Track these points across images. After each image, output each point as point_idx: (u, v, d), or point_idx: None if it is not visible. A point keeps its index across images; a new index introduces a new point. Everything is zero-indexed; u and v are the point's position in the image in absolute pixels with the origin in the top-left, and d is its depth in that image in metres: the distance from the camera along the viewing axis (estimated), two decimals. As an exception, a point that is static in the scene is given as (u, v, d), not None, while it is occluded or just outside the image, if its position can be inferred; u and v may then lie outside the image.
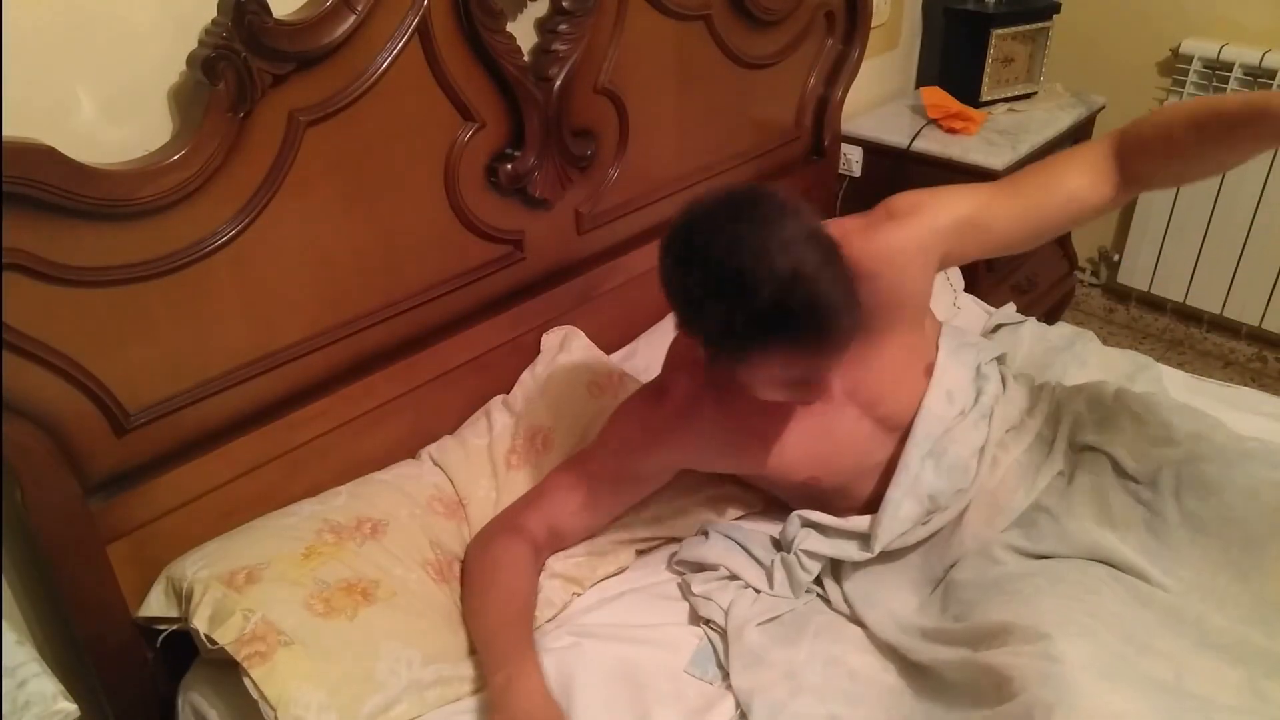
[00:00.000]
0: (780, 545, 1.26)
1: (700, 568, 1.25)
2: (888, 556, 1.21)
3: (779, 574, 1.22)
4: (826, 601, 1.23)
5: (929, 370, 1.25)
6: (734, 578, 1.22)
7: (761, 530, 1.29)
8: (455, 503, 1.33)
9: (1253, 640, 1.02)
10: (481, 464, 1.37)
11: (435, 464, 1.37)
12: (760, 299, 0.94)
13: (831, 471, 1.24)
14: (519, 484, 1.35)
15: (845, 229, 1.09)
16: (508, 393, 1.49)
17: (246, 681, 1.02)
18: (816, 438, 1.20)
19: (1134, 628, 1.01)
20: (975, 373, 1.29)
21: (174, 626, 1.11)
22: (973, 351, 1.31)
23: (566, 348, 1.51)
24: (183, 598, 1.10)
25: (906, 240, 1.13)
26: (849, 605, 1.20)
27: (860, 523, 1.22)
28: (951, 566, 1.19)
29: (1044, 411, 1.29)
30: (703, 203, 1.02)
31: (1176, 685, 0.96)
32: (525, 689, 1.04)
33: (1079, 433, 1.24)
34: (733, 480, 1.36)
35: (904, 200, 1.16)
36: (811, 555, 1.22)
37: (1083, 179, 1.12)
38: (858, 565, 1.22)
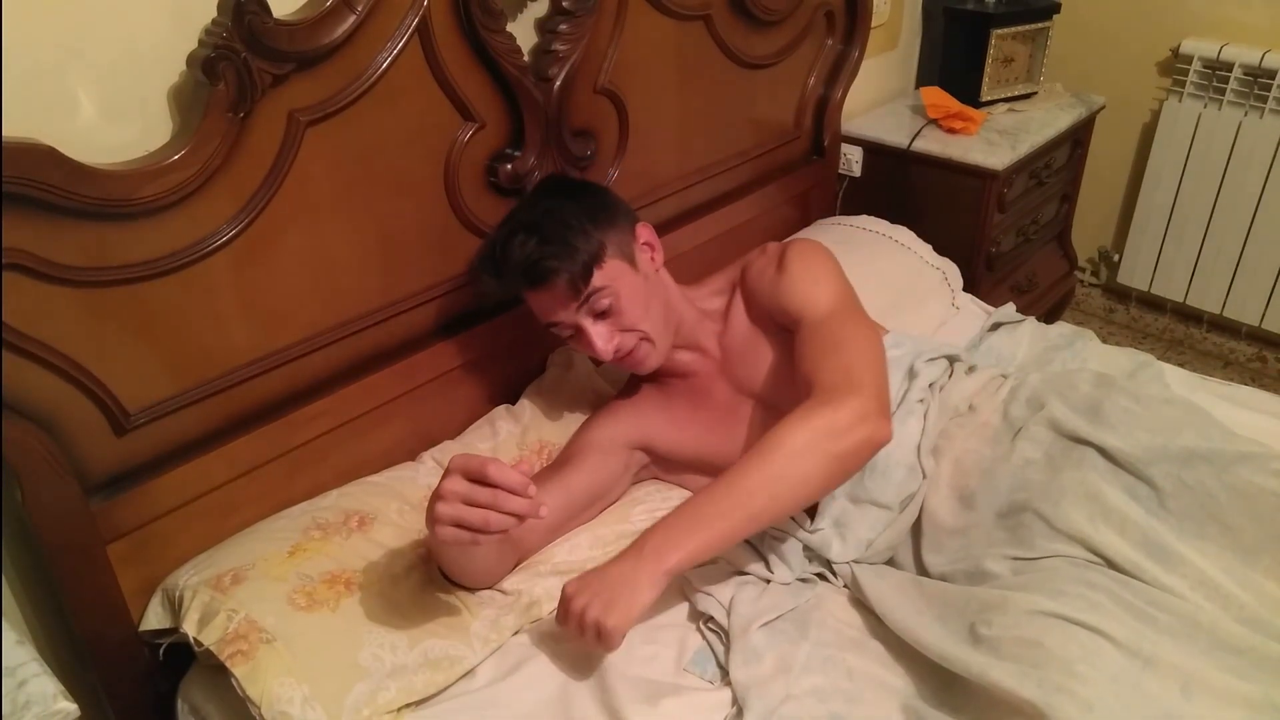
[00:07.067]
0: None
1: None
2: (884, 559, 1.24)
3: (772, 557, 1.23)
4: (831, 575, 1.24)
5: None
6: (736, 572, 1.23)
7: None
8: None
9: (1264, 647, 1.00)
10: (484, 465, 1.37)
11: (436, 464, 1.37)
12: (494, 248, 1.26)
13: None
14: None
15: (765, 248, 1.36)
16: (509, 396, 1.49)
17: (233, 680, 1.02)
18: (729, 426, 1.34)
19: (1140, 641, 0.99)
20: (906, 373, 1.32)
21: (172, 639, 1.12)
22: (908, 355, 1.34)
23: (573, 367, 1.52)
24: (176, 606, 1.11)
25: (771, 280, 1.32)
26: (859, 589, 1.20)
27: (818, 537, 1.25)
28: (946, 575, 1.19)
29: (1003, 397, 1.29)
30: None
31: (1181, 708, 0.94)
32: None
33: (1066, 421, 1.21)
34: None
35: (798, 262, 1.31)
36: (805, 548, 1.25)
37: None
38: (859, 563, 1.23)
